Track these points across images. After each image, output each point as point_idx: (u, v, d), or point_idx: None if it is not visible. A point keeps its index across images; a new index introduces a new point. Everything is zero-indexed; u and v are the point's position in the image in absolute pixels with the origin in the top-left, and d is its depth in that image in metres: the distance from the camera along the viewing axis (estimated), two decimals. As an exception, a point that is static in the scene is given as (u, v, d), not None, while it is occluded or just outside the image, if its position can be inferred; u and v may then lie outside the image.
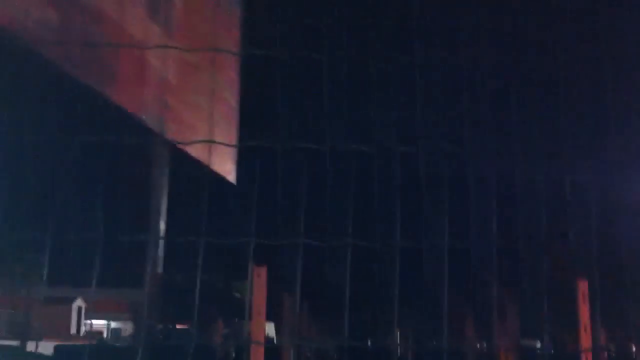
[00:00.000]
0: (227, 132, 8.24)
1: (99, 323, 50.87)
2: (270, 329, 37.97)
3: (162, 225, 10.22)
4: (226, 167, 9.06)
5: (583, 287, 10.47)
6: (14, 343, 21.83)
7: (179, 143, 5.95)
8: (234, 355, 28.76)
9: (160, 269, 10.92)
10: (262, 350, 10.70)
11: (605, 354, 27.02)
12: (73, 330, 46.19)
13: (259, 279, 10.79)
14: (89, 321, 50.93)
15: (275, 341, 32.24)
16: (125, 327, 48.98)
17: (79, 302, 49.56)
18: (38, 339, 25.42)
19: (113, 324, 50.67)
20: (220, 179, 10.59)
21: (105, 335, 46.84)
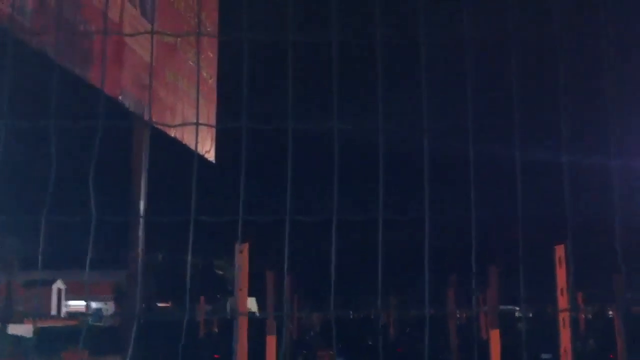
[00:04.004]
0: (206, 111, 8.26)
1: (79, 304, 50.83)
2: (252, 304, 38.30)
3: (142, 206, 10.24)
4: (205, 145, 9.12)
5: (560, 251, 10.72)
6: (-4, 327, 21.74)
7: (164, 125, 5.89)
8: (217, 330, 29.00)
9: (140, 249, 10.97)
10: (245, 322, 10.83)
11: (582, 316, 27.63)
12: (54, 312, 46.12)
13: (241, 255, 10.89)
14: (69, 302, 50.88)
15: (257, 314, 32.53)
16: (106, 307, 49.01)
17: (59, 284, 49.44)
18: (19, 322, 25.32)
19: (94, 305, 50.64)
20: (199, 158, 10.62)
21: (86, 316, 46.85)
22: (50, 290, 49.14)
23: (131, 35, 4.97)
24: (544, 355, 17.56)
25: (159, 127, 5.91)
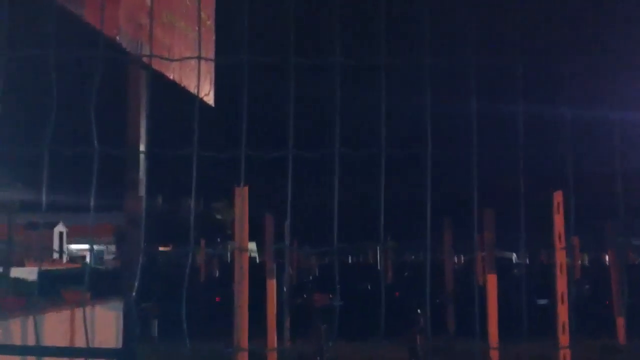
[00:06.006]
0: (205, 53, 8.14)
1: (80, 248, 51.27)
2: (252, 248, 38.62)
3: (143, 148, 10.17)
4: (204, 88, 9.03)
5: (558, 197, 10.75)
6: (-3, 269, 21.94)
7: (165, 59, 5.79)
8: (217, 274, 29.35)
9: (141, 193, 10.92)
10: (246, 258, 10.94)
11: (578, 262, 27.87)
12: (55, 255, 46.55)
13: (240, 199, 10.95)
14: (70, 246, 51.31)
15: (257, 260, 32.80)
16: (107, 250, 49.46)
17: (60, 227, 49.75)
18: (20, 264, 25.54)
19: (95, 248, 51.08)
20: (199, 102, 10.51)
21: (87, 259, 47.31)
22: (52, 232, 49.49)
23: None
24: (540, 301, 17.78)
25: (161, 60, 5.80)
